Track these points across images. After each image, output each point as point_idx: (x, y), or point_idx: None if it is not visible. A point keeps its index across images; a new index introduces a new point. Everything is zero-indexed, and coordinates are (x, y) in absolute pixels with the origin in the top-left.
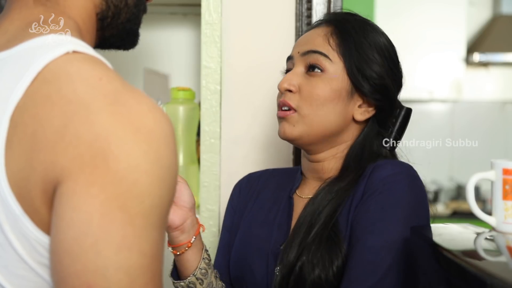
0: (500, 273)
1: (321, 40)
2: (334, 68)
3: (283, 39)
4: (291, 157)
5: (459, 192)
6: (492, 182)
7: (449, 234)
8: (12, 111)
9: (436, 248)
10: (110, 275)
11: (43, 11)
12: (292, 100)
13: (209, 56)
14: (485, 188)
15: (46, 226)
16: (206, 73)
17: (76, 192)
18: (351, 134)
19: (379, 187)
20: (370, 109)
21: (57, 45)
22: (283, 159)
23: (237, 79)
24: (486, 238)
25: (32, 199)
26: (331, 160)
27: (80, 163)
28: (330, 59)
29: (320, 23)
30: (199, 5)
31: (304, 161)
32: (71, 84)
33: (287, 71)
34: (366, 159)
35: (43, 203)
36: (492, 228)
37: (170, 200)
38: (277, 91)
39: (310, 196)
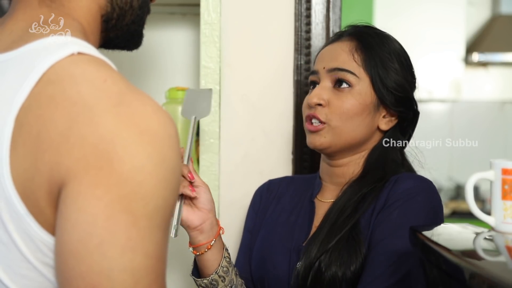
0: (499, 273)
1: (346, 56)
2: (361, 84)
3: (282, 39)
4: (290, 157)
5: (458, 192)
6: (491, 182)
7: (448, 234)
8: (17, 112)
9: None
10: (115, 277)
11: (47, 12)
12: (321, 114)
13: (208, 56)
14: (484, 188)
15: (50, 226)
16: (205, 73)
17: (81, 193)
18: (374, 142)
19: (402, 197)
20: (393, 118)
21: (62, 46)
22: (282, 159)
23: (236, 79)
24: (485, 238)
25: (37, 199)
26: (350, 166)
27: (85, 164)
28: (357, 76)
29: (341, 36)
30: (198, 5)
31: (323, 165)
32: (75, 86)
33: (312, 82)
34: (389, 166)
35: (48, 204)
36: (491, 228)
37: (174, 201)
38: (276, 91)
39: (332, 200)
